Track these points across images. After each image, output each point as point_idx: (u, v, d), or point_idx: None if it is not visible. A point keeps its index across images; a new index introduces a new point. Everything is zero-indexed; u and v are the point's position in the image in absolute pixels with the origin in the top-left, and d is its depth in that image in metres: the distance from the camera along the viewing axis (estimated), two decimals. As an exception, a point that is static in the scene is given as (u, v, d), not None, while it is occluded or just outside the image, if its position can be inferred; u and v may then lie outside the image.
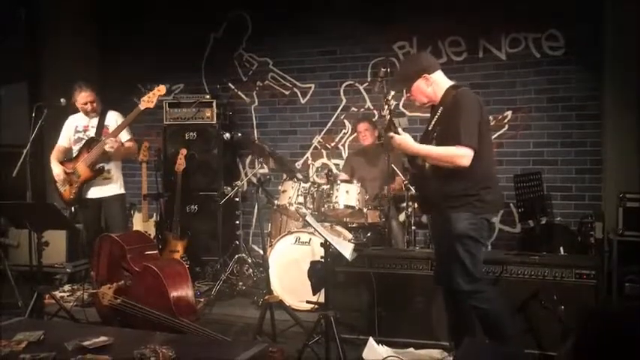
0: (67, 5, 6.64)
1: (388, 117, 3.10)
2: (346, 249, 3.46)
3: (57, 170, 4.84)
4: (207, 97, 6.25)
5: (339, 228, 4.86)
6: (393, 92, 3.18)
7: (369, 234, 5.05)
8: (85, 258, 5.49)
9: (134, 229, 5.88)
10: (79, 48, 6.74)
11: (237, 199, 5.88)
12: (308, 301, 4.38)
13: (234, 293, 5.21)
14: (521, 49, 5.70)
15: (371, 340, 3.70)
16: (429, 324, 3.73)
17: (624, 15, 5.04)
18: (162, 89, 4.81)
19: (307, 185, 4.99)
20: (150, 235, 5.61)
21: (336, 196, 4.85)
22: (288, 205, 4.92)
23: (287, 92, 6.57)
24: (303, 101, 6.52)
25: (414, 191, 4.74)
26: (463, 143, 2.95)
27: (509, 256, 3.80)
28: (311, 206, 4.93)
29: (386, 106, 3.10)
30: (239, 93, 6.75)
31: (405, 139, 3.09)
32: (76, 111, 4.99)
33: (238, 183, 5.80)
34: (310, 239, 4.66)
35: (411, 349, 3.69)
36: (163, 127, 6.29)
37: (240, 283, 5.29)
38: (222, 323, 4.38)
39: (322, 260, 3.62)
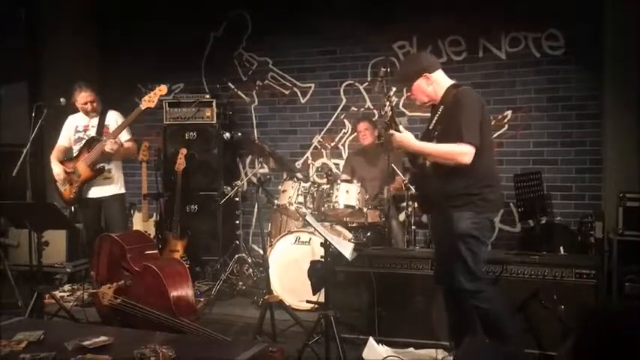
0: (67, 5, 6.64)
1: (390, 114, 3.10)
2: (346, 249, 3.46)
3: (57, 170, 4.84)
4: (207, 96, 6.25)
5: (339, 228, 4.86)
6: (395, 89, 3.17)
7: (369, 234, 5.06)
8: (85, 258, 5.49)
9: (134, 228, 5.88)
10: (79, 48, 6.74)
11: (237, 199, 5.88)
12: (308, 301, 4.39)
13: (234, 293, 5.21)
14: (521, 49, 5.70)
15: (371, 339, 3.70)
16: (429, 324, 3.73)
17: (624, 15, 5.04)
18: (163, 89, 4.81)
19: (307, 185, 4.99)
20: (150, 234, 5.62)
21: (336, 196, 4.85)
22: (288, 204, 4.92)
23: (287, 92, 6.57)
24: (303, 101, 6.53)
25: (414, 191, 4.74)
26: (465, 140, 2.94)
27: (510, 256, 3.79)
28: (311, 206, 4.93)
29: (387, 103, 3.09)
30: (239, 92, 6.75)
31: (406, 137, 3.08)
32: (75, 111, 4.99)
33: (238, 183, 5.80)
34: (310, 239, 4.66)
35: (411, 349, 3.69)
36: (163, 127, 6.29)
37: (240, 283, 5.29)
38: (222, 323, 4.38)
39: (322, 260, 3.62)
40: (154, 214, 6.02)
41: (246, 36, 6.67)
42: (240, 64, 6.71)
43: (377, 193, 5.23)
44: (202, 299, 4.93)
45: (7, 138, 5.93)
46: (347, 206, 4.87)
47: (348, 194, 4.87)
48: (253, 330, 3.87)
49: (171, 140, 6.26)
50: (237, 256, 5.41)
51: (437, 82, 3.16)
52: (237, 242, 5.89)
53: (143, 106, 4.75)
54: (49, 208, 4.31)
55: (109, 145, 4.66)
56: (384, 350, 3.63)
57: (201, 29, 6.73)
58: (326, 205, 4.90)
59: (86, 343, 2.54)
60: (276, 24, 6.43)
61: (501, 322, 3.09)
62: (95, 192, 4.87)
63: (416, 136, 3.15)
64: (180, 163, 5.78)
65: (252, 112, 6.71)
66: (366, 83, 6.26)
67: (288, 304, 4.44)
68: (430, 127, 3.17)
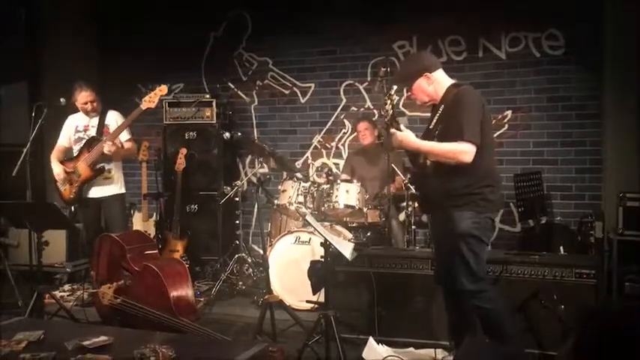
0: (67, 5, 6.64)
1: (390, 112, 3.09)
2: (346, 248, 3.46)
3: (57, 170, 4.84)
4: (207, 96, 6.25)
5: (339, 227, 4.86)
6: (396, 87, 3.17)
7: (369, 233, 5.06)
8: (84, 258, 5.49)
9: (134, 228, 5.88)
10: (79, 48, 6.74)
11: (237, 199, 5.88)
12: (308, 301, 4.39)
13: (234, 293, 5.21)
14: (521, 49, 5.71)
15: (371, 339, 3.70)
16: (429, 323, 3.73)
17: (624, 15, 5.04)
18: (163, 89, 4.81)
19: (307, 185, 4.99)
20: (150, 234, 5.62)
21: (336, 196, 4.85)
22: (288, 204, 4.92)
23: (287, 92, 6.57)
24: (303, 101, 6.53)
25: (414, 190, 4.74)
26: (466, 139, 2.94)
27: (510, 256, 3.79)
28: (311, 206, 4.93)
29: (389, 101, 3.09)
30: (239, 92, 6.75)
31: (406, 136, 3.07)
32: (75, 110, 4.99)
33: (238, 182, 5.80)
34: (310, 239, 4.66)
35: (411, 349, 3.69)
36: (163, 127, 6.29)
37: (240, 283, 5.29)
38: (222, 323, 4.38)
39: (322, 260, 3.62)
40: (154, 214, 6.02)
41: (246, 36, 6.67)
42: (240, 64, 6.71)
43: (377, 193, 5.23)
44: (202, 299, 4.93)
45: (7, 138, 5.93)
46: (347, 206, 4.87)
47: (348, 194, 4.87)
48: (253, 330, 3.87)
49: (171, 140, 6.26)
50: (237, 256, 5.41)
51: (437, 82, 3.16)
52: (237, 242, 5.90)
53: (144, 106, 4.75)
54: (49, 208, 4.31)
55: (107, 147, 4.66)
56: (384, 350, 3.63)
57: (201, 29, 6.73)
58: (326, 205, 4.89)
59: (86, 342, 2.54)
60: (276, 24, 6.43)
61: (502, 322, 3.09)
62: (95, 192, 4.87)
63: (416, 136, 3.15)
64: (180, 162, 5.78)
65: (252, 112, 6.72)
66: (366, 83, 6.26)
67: (288, 304, 4.44)
68: (430, 127, 3.17)
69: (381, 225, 5.09)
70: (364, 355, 3.60)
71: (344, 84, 6.35)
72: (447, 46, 5.91)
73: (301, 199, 4.90)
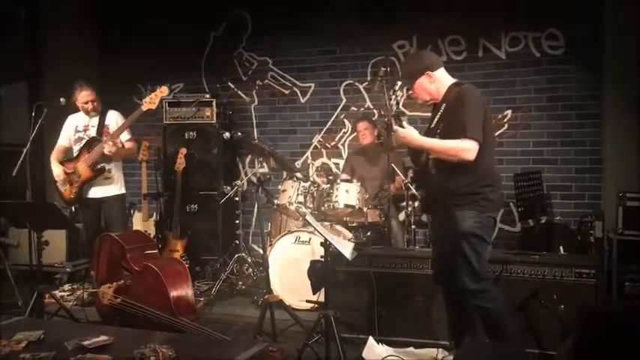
0: (67, 5, 6.63)
1: (394, 108, 3.09)
2: (346, 248, 3.46)
3: (57, 171, 4.83)
4: (207, 96, 6.24)
5: (338, 227, 4.86)
6: (400, 83, 3.16)
7: (368, 233, 5.06)
8: (84, 257, 5.49)
9: (134, 228, 5.88)
10: (79, 48, 6.74)
11: (237, 199, 5.88)
12: (308, 301, 4.39)
13: (234, 293, 5.21)
14: (521, 49, 5.71)
15: (371, 339, 3.70)
16: (429, 323, 3.73)
17: (624, 15, 5.04)
18: (164, 90, 4.81)
19: (307, 184, 4.99)
20: (150, 234, 5.62)
21: (336, 196, 4.85)
22: (288, 204, 4.92)
23: (287, 91, 6.57)
24: (302, 100, 6.53)
25: (415, 190, 4.74)
26: (469, 136, 2.93)
27: (509, 256, 3.79)
28: (311, 205, 4.93)
29: (393, 96, 3.09)
30: (239, 92, 6.75)
31: (409, 132, 3.07)
32: (75, 110, 4.99)
33: (238, 182, 5.80)
34: (310, 238, 4.66)
35: (411, 349, 3.69)
36: (163, 127, 6.29)
37: (240, 283, 5.29)
38: (222, 323, 4.38)
39: (322, 259, 3.62)
40: (154, 213, 6.02)
41: (246, 36, 6.67)
42: (240, 64, 6.72)
43: (377, 192, 5.23)
44: (202, 299, 4.93)
45: (7, 138, 5.93)
46: (347, 206, 4.87)
47: (348, 194, 4.87)
48: (253, 330, 3.87)
49: (171, 140, 6.25)
50: (237, 255, 5.42)
51: (439, 81, 3.16)
52: (237, 242, 5.89)
53: (144, 107, 4.74)
54: (49, 208, 4.31)
55: (107, 148, 4.66)
56: (383, 350, 3.63)
57: (201, 29, 6.73)
58: (326, 205, 4.90)
59: (86, 342, 2.54)
60: (276, 24, 6.43)
61: (502, 321, 3.08)
62: (95, 192, 4.87)
63: None
64: (180, 162, 5.77)
65: (252, 111, 6.72)
66: (366, 83, 6.26)
67: (288, 303, 4.44)
68: (432, 126, 3.16)
69: (380, 225, 5.09)
70: (364, 354, 3.60)
71: (344, 84, 6.35)
72: (446, 46, 5.91)
73: (301, 198, 4.90)
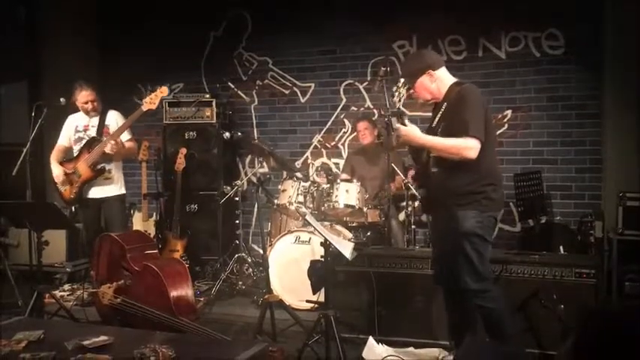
0: (67, 5, 6.63)
1: (397, 105, 3.08)
2: (346, 248, 3.46)
3: (57, 172, 4.83)
4: (207, 96, 6.24)
5: (338, 227, 4.86)
6: (403, 80, 3.15)
7: (368, 233, 5.06)
8: (84, 257, 5.49)
9: (134, 228, 5.88)
10: (79, 48, 6.73)
11: (237, 199, 5.88)
12: (308, 301, 4.39)
13: (234, 292, 5.21)
14: (520, 48, 5.71)
15: (371, 339, 3.70)
16: (429, 323, 3.73)
17: (624, 15, 5.04)
18: (164, 91, 4.81)
19: (307, 184, 4.99)
20: (150, 234, 5.62)
21: (336, 195, 4.85)
22: (288, 204, 4.92)
23: (287, 91, 6.57)
24: (302, 100, 6.53)
25: (415, 190, 4.74)
26: (471, 134, 2.93)
27: (509, 255, 3.79)
28: (311, 205, 4.93)
29: (396, 93, 3.08)
30: (239, 92, 6.75)
31: (411, 130, 3.06)
32: (75, 110, 4.99)
33: (238, 182, 5.80)
34: (310, 238, 4.66)
35: (411, 349, 3.69)
36: (163, 127, 6.29)
37: (240, 283, 5.29)
38: (222, 322, 4.38)
39: (322, 259, 3.62)
40: (154, 213, 6.02)
41: (246, 36, 6.67)
42: (240, 64, 6.71)
43: (377, 192, 5.23)
44: (202, 299, 4.93)
45: (7, 138, 5.93)
46: (347, 206, 4.87)
47: (347, 194, 4.87)
48: (253, 329, 3.87)
49: (171, 140, 6.25)
50: (237, 255, 5.42)
51: (440, 80, 3.16)
52: (237, 242, 5.89)
53: (144, 107, 4.74)
54: (48, 208, 4.31)
55: (109, 147, 4.66)
56: (383, 350, 3.63)
57: (201, 29, 6.73)
58: (326, 205, 4.89)
59: (86, 342, 2.54)
60: (276, 24, 6.43)
61: (503, 322, 3.08)
62: (95, 192, 4.87)
63: None
64: (180, 162, 5.77)
65: (252, 111, 6.71)
66: (366, 83, 6.26)
67: (288, 303, 4.44)
68: (433, 125, 3.16)
69: (380, 225, 5.09)
70: (364, 354, 3.60)
71: (344, 84, 6.35)
72: (446, 46, 5.91)
73: (301, 198, 4.90)
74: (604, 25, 5.23)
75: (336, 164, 6.37)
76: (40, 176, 5.77)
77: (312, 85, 6.47)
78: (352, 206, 4.88)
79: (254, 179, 4.73)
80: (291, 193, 4.93)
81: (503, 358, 2.49)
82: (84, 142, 4.85)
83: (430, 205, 3.38)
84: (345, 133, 6.39)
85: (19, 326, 2.82)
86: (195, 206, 6.14)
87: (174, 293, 3.64)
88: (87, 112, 4.91)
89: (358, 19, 6.08)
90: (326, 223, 4.80)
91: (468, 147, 2.94)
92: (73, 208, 5.50)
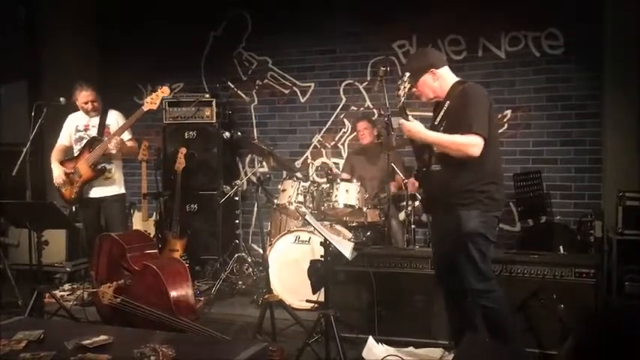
0: (67, 5, 6.63)
1: (402, 100, 3.08)
2: (346, 248, 3.46)
3: (57, 172, 4.82)
4: (207, 96, 6.24)
5: (338, 227, 4.86)
6: (408, 74, 3.15)
7: (368, 233, 5.06)
8: (84, 257, 5.49)
9: (134, 228, 5.88)
10: (79, 48, 6.73)
11: (236, 198, 5.88)
12: (308, 300, 4.39)
13: (233, 292, 5.21)
14: (520, 48, 5.71)
15: (371, 339, 3.70)
16: (428, 323, 3.73)
17: (624, 15, 5.04)
18: (165, 90, 4.81)
19: (307, 184, 4.99)
20: (150, 234, 5.61)
21: (336, 195, 4.85)
22: (287, 204, 4.92)
23: (287, 91, 6.57)
24: (302, 100, 6.52)
25: (416, 189, 4.74)
26: (474, 131, 2.92)
27: (509, 255, 3.79)
28: (311, 205, 4.93)
29: (402, 87, 3.08)
30: (239, 92, 6.75)
31: (414, 125, 3.06)
32: (75, 110, 4.99)
33: (238, 182, 5.80)
34: (310, 238, 4.66)
35: (411, 348, 3.69)
36: (163, 126, 6.29)
37: (240, 282, 5.29)
38: (222, 322, 4.38)
39: (322, 259, 3.61)
40: (154, 213, 6.02)
41: (246, 35, 6.67)
42: (240, 64, 6.71)
43: (377, 192, 5.23)
44: (202, 298, 4.93)
45: (7, 137, 5.93)
46: (347, 205, 4.86)
47: (347, 193, 4.87)
48: (253, 329, 3.87)
49: (171, 139, 6.25)
50: (236, 255, 5.42)
51: (443, 78, 3.16)
52: (237, 241, 5.90)
53: (145, 107, 4.74)
54: (48, 208, 4.31)
55: (113, 143, 4.66)
56: (383, 349, 3.63)
57: (201, 29, 6.73)
58: (326, 205, 4.89)
59: (86, 342, 2.53)
60: (276, 24, 6.43)
61: (506, 322, 3.08)
62: (96, 192, 4.87)
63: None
64: (180, 162, 5.77)
65: (252, 111, 6.71)
66: (366, 82, 6.26)
67: (288, 303, 4.44)
68: (436, 123, 3.15)
69: (380, 224, 5.09)
70: (364, 354, 3.60)
71: (344, 83, 6.35)
72: (446, 46, 5.90)
73: (301, 198, 4.90)
74: (604, 25, 5.23)
75: (336, 164, 6.37)
76: (40, 176, 5.78)
77: (312, 84, 6.47)
78: (352, 206, 4.88)
79: (254, 179, 4.74)
80: (290, 192, 4.93)
81: (502, 358, 2.49)
82: (84, 141, 4.85)
83: (430, 205, 3.37)
84: (344, 132, 6.39)
85: (19, 326, 2.81)
86: (195, 206, 6.14)
87: (174, 293, 3.64)
88: (87, 112, 4.91)
89: (358, 18, 6.08)
90: (326, 222, 4.80)
91: (471, 144, 2.93)
92: (73, 207, 5.50)
